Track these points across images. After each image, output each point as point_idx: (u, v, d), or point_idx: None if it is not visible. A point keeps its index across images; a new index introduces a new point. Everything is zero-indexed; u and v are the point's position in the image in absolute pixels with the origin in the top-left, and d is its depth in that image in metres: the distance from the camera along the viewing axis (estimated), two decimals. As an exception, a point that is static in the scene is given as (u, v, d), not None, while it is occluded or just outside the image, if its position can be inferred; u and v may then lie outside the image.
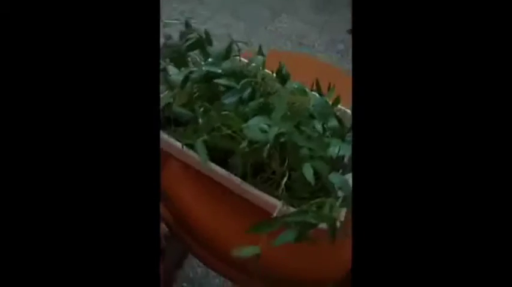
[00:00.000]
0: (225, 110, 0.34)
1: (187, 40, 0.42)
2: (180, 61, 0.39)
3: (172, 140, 0.41)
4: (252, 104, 0.35)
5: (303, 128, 0.36)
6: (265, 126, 0.33)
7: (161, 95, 0.38)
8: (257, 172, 0.38)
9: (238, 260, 0.38)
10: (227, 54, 0.41)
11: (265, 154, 0.33)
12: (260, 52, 0.44)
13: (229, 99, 0.35)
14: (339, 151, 0.35)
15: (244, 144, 0.32)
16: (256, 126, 0.32)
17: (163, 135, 0.41)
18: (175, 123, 0.39)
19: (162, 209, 0.50)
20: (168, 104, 0.36)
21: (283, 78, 0.43)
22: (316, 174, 0.34)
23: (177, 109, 0.36)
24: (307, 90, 0.41)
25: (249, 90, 0.38)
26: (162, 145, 0.45)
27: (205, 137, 0.33)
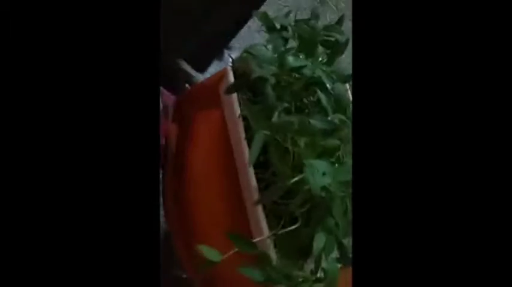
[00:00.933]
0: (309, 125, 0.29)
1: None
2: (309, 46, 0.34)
3: (235, 101, 0.37)
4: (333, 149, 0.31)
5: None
6: (326, 176, 0.28)
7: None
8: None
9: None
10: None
11: (302, 192, 0.30)
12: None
13: (317, 123, 0.31)
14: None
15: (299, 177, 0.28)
16: (321, 170, 0.28)
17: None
18: (253, 93, 0.36)
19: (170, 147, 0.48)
20: (263, 79, 0.32)
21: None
22: (323, 250, 0.31)
23: (268, 88, 0.32)
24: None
25: (335, 126, 0.34)
26: (223, 98, 0.42)
27: (275, 121, 0.29)
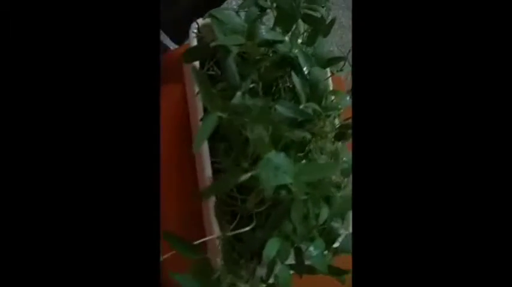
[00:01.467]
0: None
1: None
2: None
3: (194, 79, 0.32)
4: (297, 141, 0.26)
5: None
6: (285, 174, 0.24)
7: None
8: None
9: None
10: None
11: (257, 190, 0.25)
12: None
13: (284, 110, 0.26)
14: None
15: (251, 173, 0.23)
16: (278, 164, 0.23)
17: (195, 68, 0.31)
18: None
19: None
20: (225, 49, 0.26)
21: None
22: (277, 256, 0.27)
23: (230, 61, 0.27)
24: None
25: (307, 117, 0.29)
26: (186, 71, 0.36)
27: (233, 103, 0.24)
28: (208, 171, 0.31)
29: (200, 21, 0.33)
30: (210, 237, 0.29)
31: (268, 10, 0.32)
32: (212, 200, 0.31)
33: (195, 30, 0.33)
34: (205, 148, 0.32)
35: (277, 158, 0.23)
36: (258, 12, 0.31)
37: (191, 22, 0.54)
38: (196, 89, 0.33)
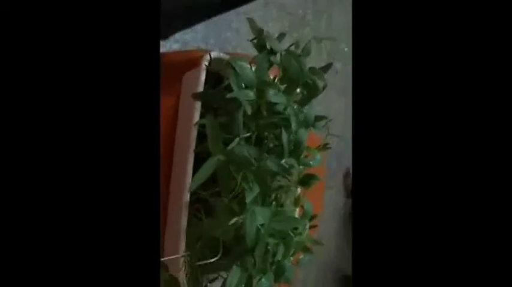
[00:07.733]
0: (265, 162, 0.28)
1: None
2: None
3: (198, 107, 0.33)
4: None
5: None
6: (260, 218, 0.29)
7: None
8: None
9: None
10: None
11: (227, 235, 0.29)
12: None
13: (272, 166, 0.30)
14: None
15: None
16: (260, 219, 0.28)
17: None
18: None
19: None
20: (238, 103, 0.30)
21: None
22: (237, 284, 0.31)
23: (240, 114, 0.30)
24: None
25: (285, 172, 0.34)
26: (184, 91, 0.37)
27: (234, 151, 0.27)
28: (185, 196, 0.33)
29: (213, 54, 0.35)
30: (176, 256, 0.32)
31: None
32: (185, 217, 0.34)
33: (206, 63, 0.35)
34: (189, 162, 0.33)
35: (260, 212, 0.27)
36: (268, 67, 0.35)
37: (184, 18, 0.53)
38: (194, 119, 0.34)
